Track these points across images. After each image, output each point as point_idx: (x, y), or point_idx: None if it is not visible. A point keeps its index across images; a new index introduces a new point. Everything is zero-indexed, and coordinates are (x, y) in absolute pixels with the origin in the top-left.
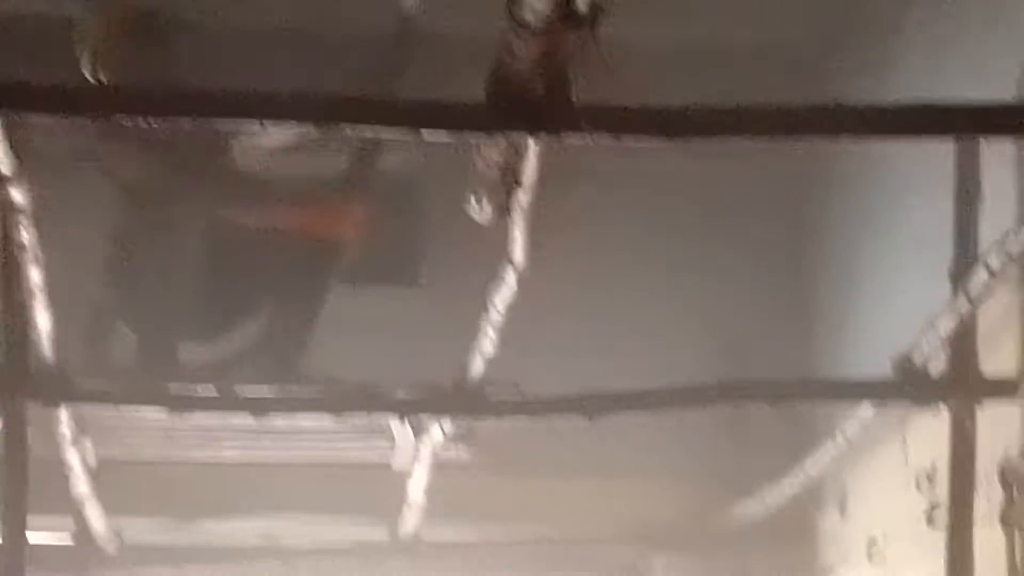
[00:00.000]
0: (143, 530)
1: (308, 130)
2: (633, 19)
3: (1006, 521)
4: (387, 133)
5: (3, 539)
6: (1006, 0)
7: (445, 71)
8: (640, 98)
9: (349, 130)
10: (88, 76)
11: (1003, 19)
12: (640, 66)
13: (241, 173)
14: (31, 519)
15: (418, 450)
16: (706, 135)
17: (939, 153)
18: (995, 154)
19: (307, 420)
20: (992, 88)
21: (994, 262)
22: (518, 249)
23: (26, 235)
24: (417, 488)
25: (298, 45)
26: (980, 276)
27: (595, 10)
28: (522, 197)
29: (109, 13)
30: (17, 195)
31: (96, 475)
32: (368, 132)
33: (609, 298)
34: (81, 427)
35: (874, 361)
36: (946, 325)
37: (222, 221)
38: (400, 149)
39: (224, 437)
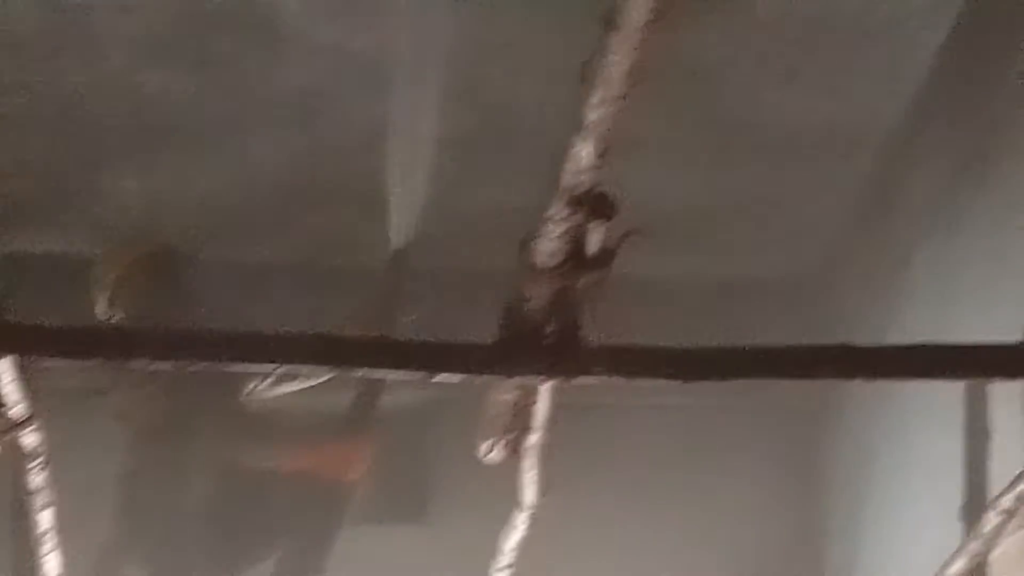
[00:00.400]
0: None
1: (319, 371)
2: (642, 256)
3: None
4: (397, 375)
5: None
6: (1013, 241)
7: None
8: (651, 333)
9: (360, 372)
10: (101, 315)
11: (1011, 259)
12: (650, 301)
13: (249, 413)
14: None
15: None
16: (718, 376)
17: (948, 391)
18: (1004, 392)
19: None
20: (1001, 327)
21: (1006, 502)
22: (529, 491)
23: (38, 479)
24: None
25: (305, 278)
26: (992, 517)
27: (605, 253)
28: (533, 438)
29: (125, 252)
30: (30, 439)
31: None
32: (379, 374)
33: (620, 534)
34: None
35: None
36: (959, 568)
37: (231, 462)
38: (408, 386)
39: None
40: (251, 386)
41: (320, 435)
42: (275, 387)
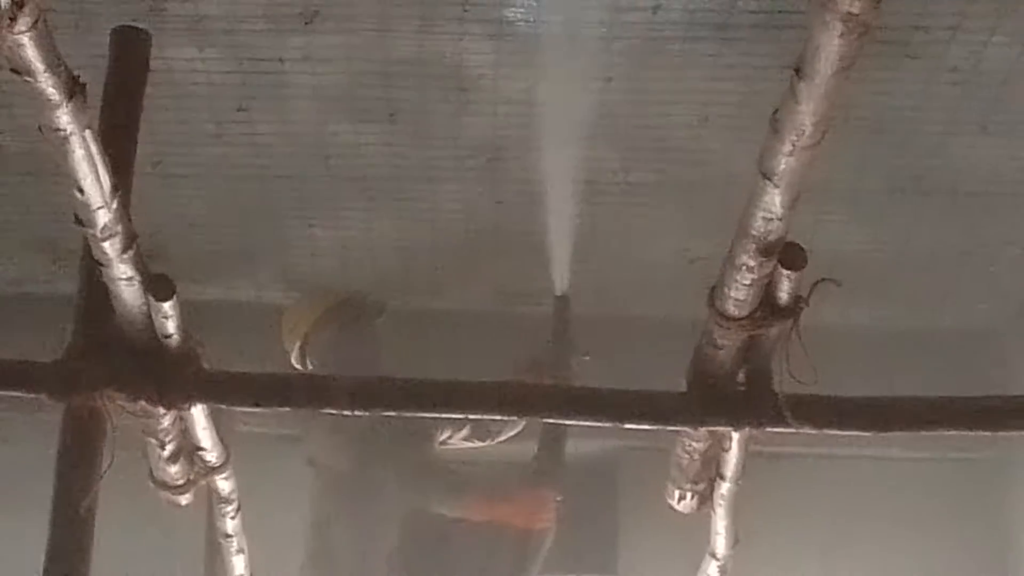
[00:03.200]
0: None
1: (512, 420)
2: (833, 305)
3: None
4: (590, 422)
5: None
6: None
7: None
8: (841, 383)
9: (553, 419)
10: (295, 363)
11: None
12: (841, 351)
13: (439, 462)
14: None
15: None
16: (909, 427)
17: None
18: None
19: None
20: None
21: None
22: (721, 541)
23: (231, 524)
24: None
25: (492, 326)
26: None
27: (797, 301)
28: (724, 487)
29: (317, 303)
30: (224, 484)
31: None
32: (571, 421)
33: None
34: None
35: None
36: None
37: (421, 510)
38: (599, 435)
39: None
40: (444, 435)
41: (508, 485)
42: (470, 439)
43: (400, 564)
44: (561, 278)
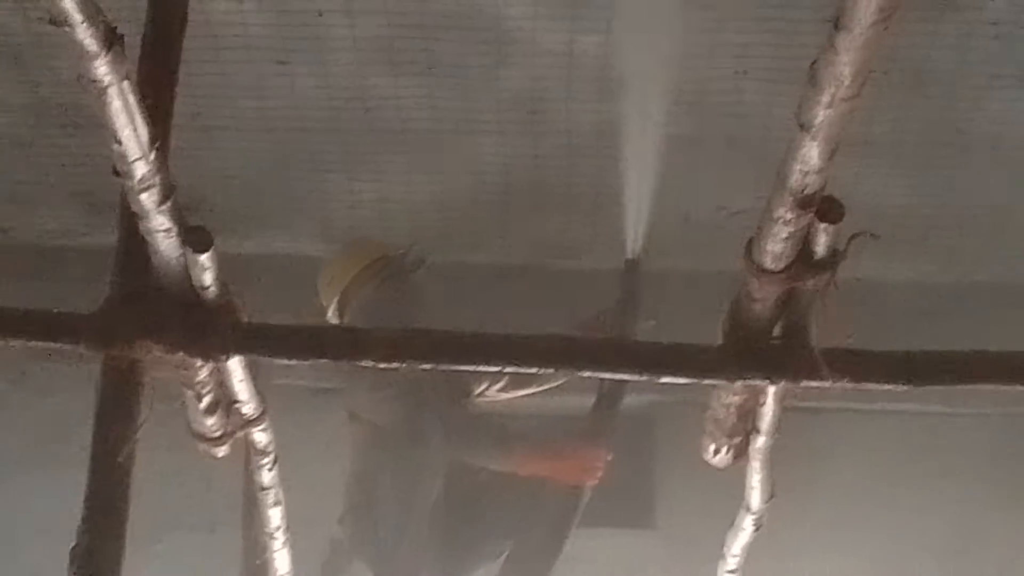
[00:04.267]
0: None
1: (548, 373)
2: (870, 259)
3: None
4: (625, 376)
5: None
6: None
7: (672, 307)
8: (878, 337)
9: (588, 373)
10: (331, 317)
11: None
12: (878, 305)
13: (487, 416)
14: None
15: None
16: (946, 381)
17: None
18: None
19: None
20: None
21: None
22: (756, 495)
23: (268, 476)
24: None
25: (531, 280)
26: None
27: (834, 254)
28: (760, 441)
29: (356, 257)
30: (261, 436)
31: None
32: (606, 375)
33: (846, 537)
34: None
35: None
36: None
37: (464, 464)
38: (635, 390)
39: None
40: (480, 387)
41: (562, 440)
42: (506, 390)
43: (442, 516)
44: (634, 241)
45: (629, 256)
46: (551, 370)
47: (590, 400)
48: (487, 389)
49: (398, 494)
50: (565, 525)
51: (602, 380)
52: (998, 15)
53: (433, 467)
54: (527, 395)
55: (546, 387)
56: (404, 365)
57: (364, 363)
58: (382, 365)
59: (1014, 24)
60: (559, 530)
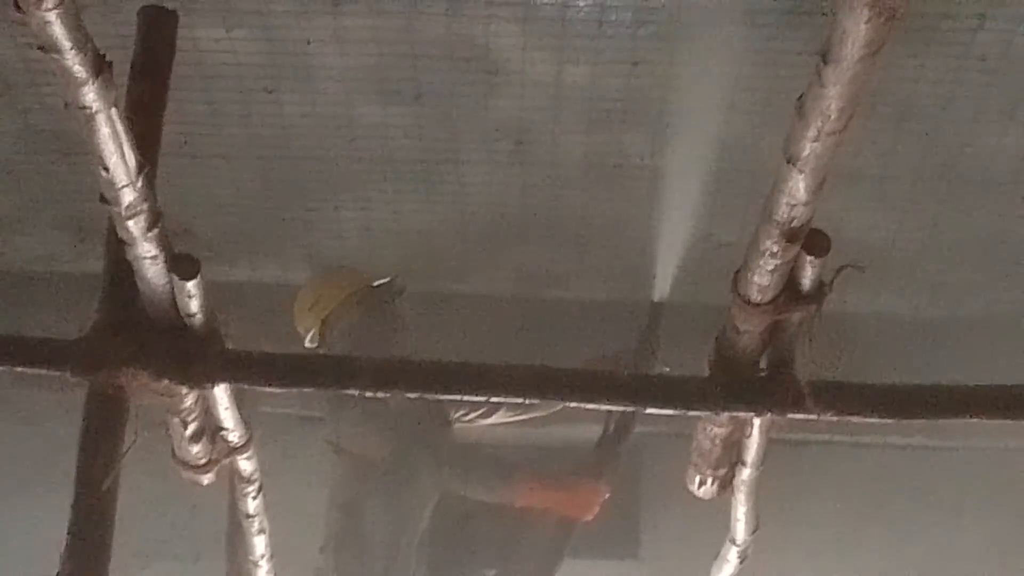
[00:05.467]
0: None
1: (531, 403)
2: (857, 293)
3: None
4: (611, 406)
5: None
6: None
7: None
8: (863, 370)
9: (574, 403)
10: (309, 343)
11: None
12: (863, 338)
13: (478, 448)
14: None
15: None
16: (931, 415)
17: None
18: None
19: None
20: None
21: None
22: (741, 527)
23: (253, 504)
24: None
25: (522, 312)
26: None
27: (820, 287)
28: (745, 473)
29: (340, 283)
30: (246, 464)
31: None
32: (592, 406)
33: (830, 570)
34: None
35: None
36: None
37: (454, 495)
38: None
39: None
40: (458, 412)
41: (560, 473)
42: (482, 418)
43: (428, 545)
44: (662, 285)
45: (656, 299)
46: (537, 400)
47: (590, 430)
48: (465, 415)
49: (387, 526)
50: (555, 557)
51: (609, 415)
52: (985, 50)
53: (423, 499)
54: (506, 423)
55: (527, 416)
56: (390, 394)
57: (349, 391)
58: (368, 393)
59: (1001, 59)
60: (548, 562)
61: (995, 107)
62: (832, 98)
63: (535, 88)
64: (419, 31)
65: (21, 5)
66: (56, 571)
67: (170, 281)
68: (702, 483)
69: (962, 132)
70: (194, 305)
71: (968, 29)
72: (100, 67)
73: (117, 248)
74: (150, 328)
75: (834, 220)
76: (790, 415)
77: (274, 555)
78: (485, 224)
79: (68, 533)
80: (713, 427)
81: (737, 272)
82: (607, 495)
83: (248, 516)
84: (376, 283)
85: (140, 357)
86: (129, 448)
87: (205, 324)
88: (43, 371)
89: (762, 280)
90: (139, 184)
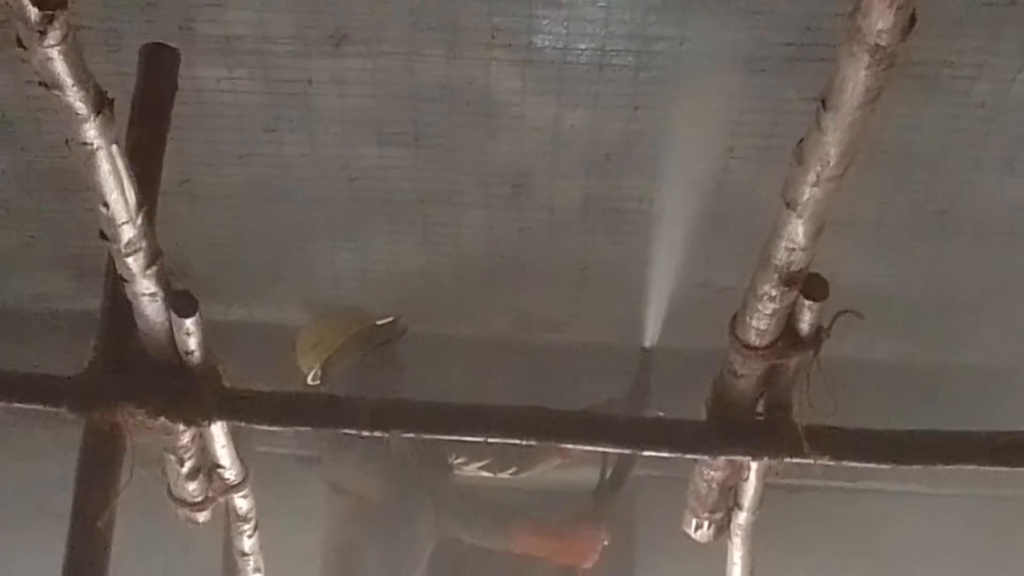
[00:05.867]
0: None
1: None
2: (855, 339)
3: None
4: (609, 448)
5: None
6: None
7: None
8: (861, 416)
9: (571, 445)
10: (311, 382)
11: None
12: (862, 385)
13: (478, 492)
14: None
15: None
16: (929, 460)
17: None
18: None
19: None
20: None
21: None
22: (737, 571)
23: (248, 543)
24: None
25: (518, 355)
26: None
27: (818, 332)
28: (741, 517)
29: (343, 323)
30: (243, 502)
31: None
32: (589, 447)
33: None
34: None
35: None
36: None
37: (453, 539)
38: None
39: None
40: (457, 460)
41: (559, 519)
42: (487, 469)
43: None
44: (652, 332)
45: (646, 345)
46: (533, 441)
47: (588, 474)
48: (465, 463)
49: (384, 569)
50: None
51: (605, 458)
52: (984, 98)
53: (421, 543)
54: (505, 478)
55: (526, 473)
56: (388, 433)
57: (347, 431)
58: (365, 433)
59: (999, 108)
60: None
61: (993, 156)
62: (831, 144)
63: (534, 131)
64: (419, 73)
65: (24, 42)
66: None
67: (168, 319)
68: (698, 527)
69: (959, 180)
70: (192, 343)
71: (967, 77)
72: (101, 104)
73: (116, 285)
74: (148, 365)
75: (831, 266)
76: (787, 459)
77: None
78: (482, 267)
79: (63, 571)
80: (710, 471)
81: (735, 316)
82: (606, 542)
83: (243, 555)
84: (380, 323)
85: (137, 394)
86: (125, 485)
87: (203, 362)
88: (40, 407)
89: (760, 324)
90: (139, 221)
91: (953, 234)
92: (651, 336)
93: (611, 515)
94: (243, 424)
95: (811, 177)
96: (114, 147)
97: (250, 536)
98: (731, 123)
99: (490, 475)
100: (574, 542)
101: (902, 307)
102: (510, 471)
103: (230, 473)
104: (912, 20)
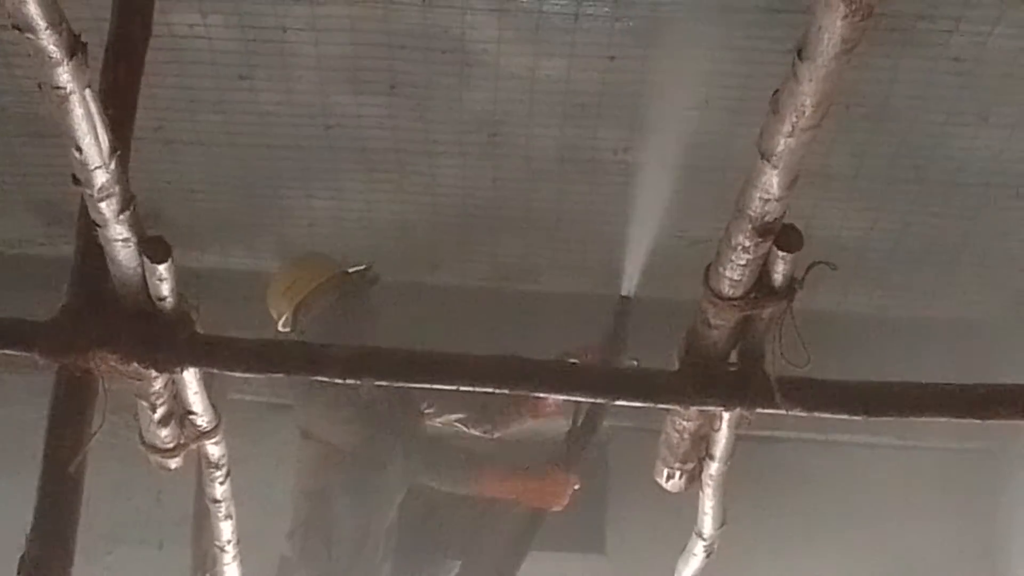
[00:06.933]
0: None
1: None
2: (828, 290)
3: None
4: (580, 398)
5: None
6: None
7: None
8: (832, 367)
9: (544, 394)
10: (282, 327)
11: None
12: (834, 336)
13: (448, 439)
14: None
15: None
16: (899, 412)
17: None
18: None
19: None
20: None
21: None
22: (708, 521)
23: (220, 489)
24: None
25: (493, 303)
26: None
27: (791, 283)
28: (713, 467)
29: (315, 269)
30: (214, 449)
31: None
32: (561, 396)
33: (797, 566)
34: None
35: None
36: None
37: (423, 485)
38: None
39: None
40: (428, 410)
41: (530, 463)
42: (463, 423)
43: (395, 535)
44: (628, 282)
45: (624, 294)
46: (506, 390)
47: (559, 423)
48: (439, 415)
49: (355, 516)
50: (521, 548)
51: (578, 406)
52: (960, 51)
53: (391, 490)
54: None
55: (499, 432)
56: (360, 381)
57: (319, 378)
58: (338, 381)
59: (975, 61)
60: (515, 553)
61: (968, 109)
62: (807, 94)
63: (510, 81)
64: (395, 21)
65: None
66: (21, 553)
67: (141, 264)
68: (670, 476)
69: (935, 133)
70: (165, 288)
71: (943, 31)
72: (75, 47)
73: (88, 231)
74: (120, 311)
75: (806, 218)
76: (759, 410)
77: (240, 541)
78: (457, 216)
79: (34, 515)
80: (682, 420)
81: (709, 266)
82: (576, 486)
83: (215, 501)
84: (351, 270)
85: (109, 340)
86: (97, 431)
87: (175, 308)
88: (12, 352)
89: (734, 275)
90: (112, 166)
91: (928, 186)
92: (627, 286)
93: (582, 460)
94: (215, 371)
95: (786, 127)
96: (87, 91)
97: (222, 483)
98: (707, 74)
99: (463, 429)
100: (544, 484)
101: (876, 259)
102: (482, 428)
103: (202, 420)
104: None
